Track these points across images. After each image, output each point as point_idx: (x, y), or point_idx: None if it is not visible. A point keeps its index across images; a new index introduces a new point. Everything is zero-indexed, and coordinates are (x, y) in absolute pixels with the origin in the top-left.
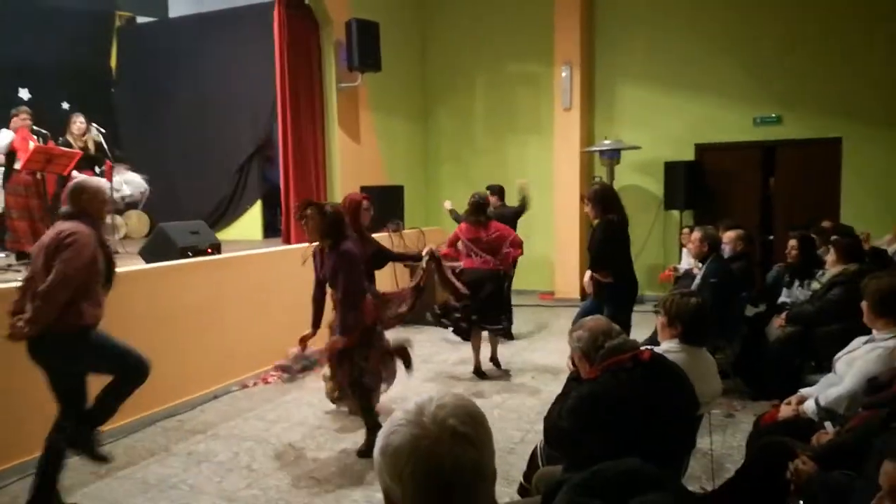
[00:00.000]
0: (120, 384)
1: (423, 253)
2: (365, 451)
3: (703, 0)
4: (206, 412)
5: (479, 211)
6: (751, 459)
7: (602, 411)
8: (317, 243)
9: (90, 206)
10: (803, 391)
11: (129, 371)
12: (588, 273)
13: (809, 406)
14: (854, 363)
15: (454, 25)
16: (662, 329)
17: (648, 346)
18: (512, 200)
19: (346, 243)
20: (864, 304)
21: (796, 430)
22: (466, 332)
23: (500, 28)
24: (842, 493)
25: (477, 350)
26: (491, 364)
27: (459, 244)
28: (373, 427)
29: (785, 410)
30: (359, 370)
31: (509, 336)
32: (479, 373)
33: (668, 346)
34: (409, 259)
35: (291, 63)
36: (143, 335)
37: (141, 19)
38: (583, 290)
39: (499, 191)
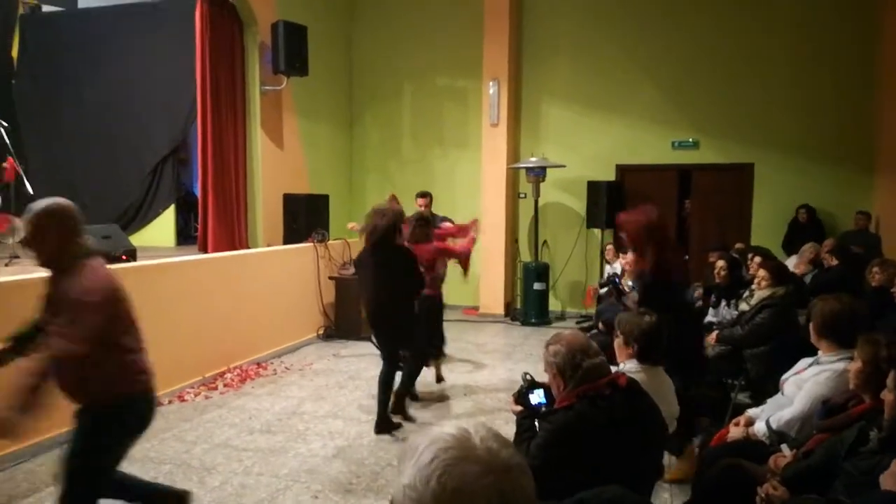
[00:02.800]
0: None
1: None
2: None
3: (626, 25)
4: None
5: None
6: (708, 482)
7: (579, 440)
8: None
9: None
10: (750, 412)
11: None
12: None
13: (760, 428)
14: (803, 385)
15: (383, 34)
16: (619, 350)
17: (621, 371)
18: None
19: None
20: (810, 326)
21: (747, 451)
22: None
23: (430, 40)
24: None
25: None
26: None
27: None
28: None
29: (734, 432)
30: None
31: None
32: (414, 397)
33: (628, 367)
34: None
35: (213, 62)
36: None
37: (47, 8)
38: (507, 305)
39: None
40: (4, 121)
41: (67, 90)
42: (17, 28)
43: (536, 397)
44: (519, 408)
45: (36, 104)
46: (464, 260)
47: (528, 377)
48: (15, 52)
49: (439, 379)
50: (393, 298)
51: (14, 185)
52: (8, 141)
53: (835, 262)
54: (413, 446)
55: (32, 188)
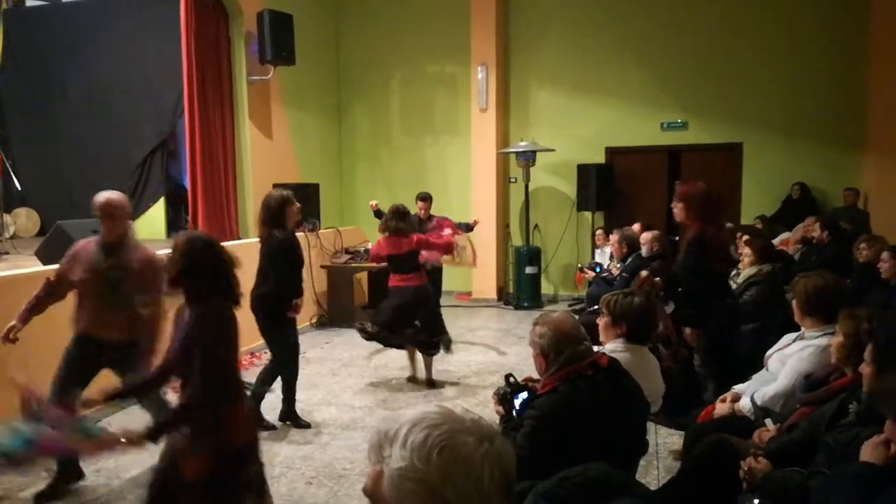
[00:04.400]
0: None
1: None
2: None
3: (613, 8)
4: (114, 425)
5: (399, 219)
6: (696, 457)
7: (565, 422)
8: None
9: None
10: (736, 388)
11: None
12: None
13: (745, 404)
14: (787, 361)
15: (370, 21)
16: (605, 329)
17: (601, 351)
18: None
19: None
20: (793, 303)
21: (733, 426)
22: (397, 345)
23: (417, 26)
24: (798, 490)
25: (412, 358)
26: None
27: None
28: None
29: (720, 408)
30: None
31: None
32: (414, 379)
33: (613, 347)
34: None
35: (199, 54)
36: (37, 345)
37: (31, 2)
38: (500, 290)
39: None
40: None
41: (53, 84)
42: (1, 23)
43: (519, 400)
44: (500, 409)
45: (21, 99)
46: (446, 250)
47: (511, 380)
48: None
49: (429, 381)
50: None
51: (1, 181)
52: None
53: (826, 237)
54: (390, 432)
55: (20, 183)
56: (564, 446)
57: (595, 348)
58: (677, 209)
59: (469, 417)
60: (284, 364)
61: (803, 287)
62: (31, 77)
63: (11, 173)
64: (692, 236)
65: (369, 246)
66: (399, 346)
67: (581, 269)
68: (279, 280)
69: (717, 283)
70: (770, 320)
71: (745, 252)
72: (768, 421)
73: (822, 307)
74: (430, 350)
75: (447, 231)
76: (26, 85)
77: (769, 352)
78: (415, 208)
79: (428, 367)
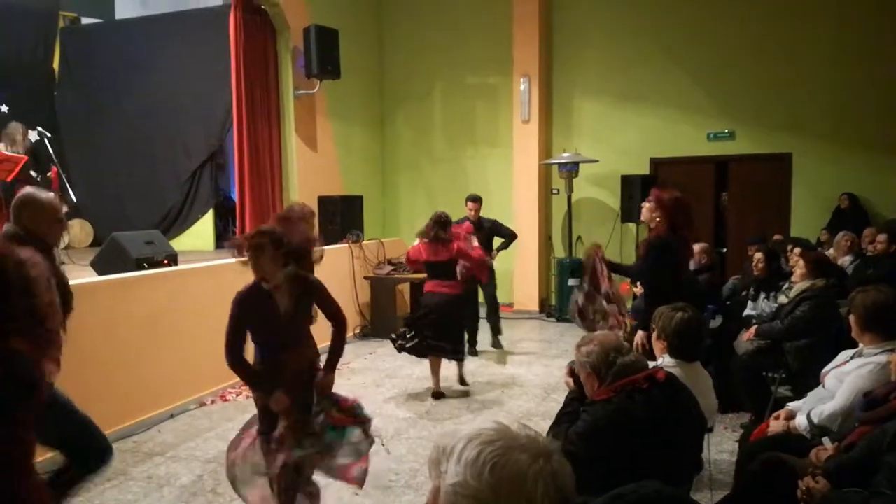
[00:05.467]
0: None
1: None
2: None
3: (657, 17)
4: (164, 432)
5: (441, 227)
6: (750, 476)
7: (618, 434)
8: None
9: (37, 226)
10: (791, 405)
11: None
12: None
13: (801, 422)
14: (844, 379)
15: (413, 34)
16: (654, 343)
17: (659, 366)
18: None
19: None
20: (851, 318)
21: (788, 445)
22: (421, 353)
23: (459, 39)
24: None
25: (435, 374)
26: (458, 384)
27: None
28: None
29: (774, 426)
30: None
31: (473, 353)
32: (438, 395)
33: (663, 362)
34: None
35: (248, 69)
36: (94, 351)
37: (86, 20)
38: (542, 302)
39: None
40: (48, 131)
41: (107, 99)
42: (58, 40)
43: None
44: (570, 380)
45: (77, 114)
46: (476, 268)
47: None
48: (56, 64)
49: (461, 380)
50: None
51: (58, 193)
52: (52, 151)
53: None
54: (447, 448)
55: (76, 196)
56: (615, 458)
57: (650, 364)
58: (646, 209)
59: (525, 434)
60: None
61: (861, 302)
62: (86, 92)
63: (67, 185)
64: (654, 238)
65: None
66: (423, 355)
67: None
68: None
69: (675, 288)
70: (823, 336)
71: (799, 266)
72: (825, 440)
73: (881, 323)
74: (455, 357)
75: (475, 244)
76: (81, 99)
77: (825, 369)
78: (461, 212)
79: (459, 367)
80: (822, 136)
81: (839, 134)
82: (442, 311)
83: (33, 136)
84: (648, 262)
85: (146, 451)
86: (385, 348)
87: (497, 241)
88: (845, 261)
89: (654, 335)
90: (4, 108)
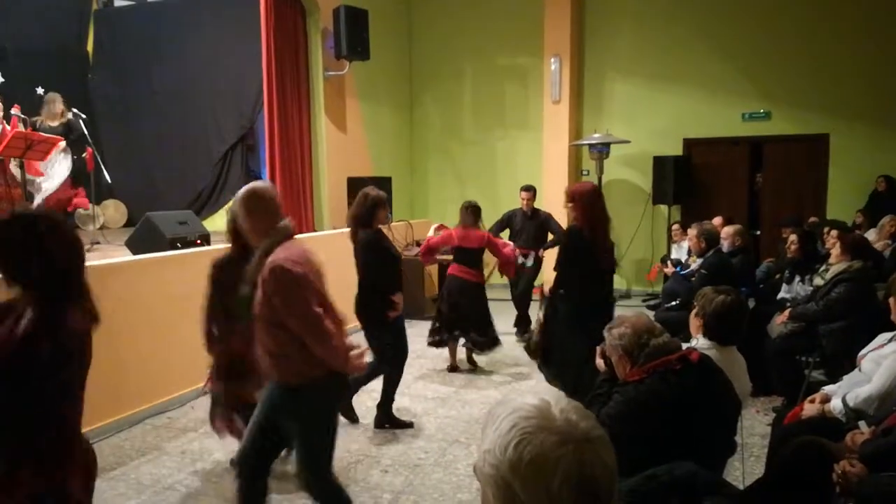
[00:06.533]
0: None
1: None
2: None
3: None
4: (197, 409)
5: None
6: (785, 459)
7: (650, 415)
8: None
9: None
10: (826, 389)
11: None
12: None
13: (836, 405)
14: (882, 362)
15: (442, 15)
16: (692, 319)
17: (693, 347)
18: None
19: None
20: (890, 301)
21: (822, 429)
22: (440, 343)
23: (489, 19)
24: None
25: (453, 352)
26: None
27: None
28: None
29: (809, 409)
30: None
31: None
32: (453, 368)
33: (701, 344)
34: None
35: (278, 50)
36: (129, 330)
37: (119, 3)
38: None
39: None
40: (83, 113)
41: (139, 82)
42: (92, 23)
43: None
44: (602, 362)
45: (110, 96)
46: (505, 265)
47: None
48: (90, 47)
49: (469, 360)
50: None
51: (93, 174)
52: (87, 132)
53: None
54: (495, 415)
55: (110, 177)
56: (648, 439)
57: (684, 345)
58: (568, 209)
59: (565, 417)
60: (386, 363)
61: None
62: (119, 74)
63: (102, 166)
64: (568, 230)
65: (435, 226)
66: (444, 344)
67: (663, 262)
68: (369, 280)
69: (584, 277)
70: (859, 319)
71: (835, 248)
72: (862, 423)
73: None
74: (481, 348)
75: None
76: (115, 81)
77: (862, 352)
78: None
79: (468, 353)
80: (860, 118)
81: (878, 115)
82: (459, 295)
83: (69, 116)
84: (560, 253)
85: (180, 427)
86: (413, 329)
87: (546, 238)
88: (885, 244)
89: (693, 312)
90: (40, 91)
